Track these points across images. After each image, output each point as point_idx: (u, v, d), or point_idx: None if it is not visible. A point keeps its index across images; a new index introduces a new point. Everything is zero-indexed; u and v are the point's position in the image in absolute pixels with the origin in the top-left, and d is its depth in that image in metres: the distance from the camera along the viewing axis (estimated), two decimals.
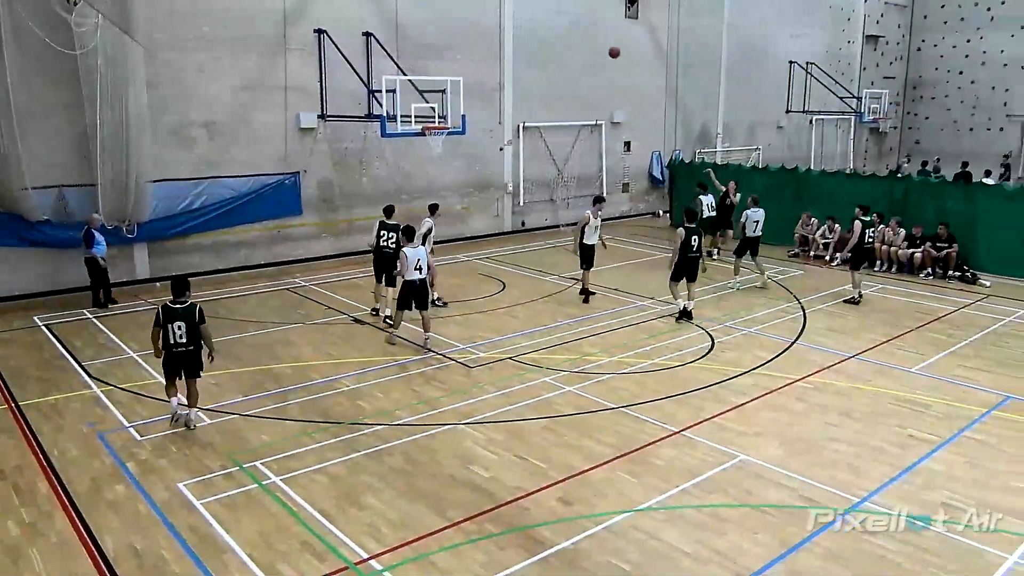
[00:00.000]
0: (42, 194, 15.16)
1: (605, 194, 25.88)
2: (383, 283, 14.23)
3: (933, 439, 9.52)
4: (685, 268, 14.19)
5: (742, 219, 17.14)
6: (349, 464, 8.81)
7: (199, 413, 9.85)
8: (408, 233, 12.75)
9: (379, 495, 8.13)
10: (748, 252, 17.08)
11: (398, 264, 12.70)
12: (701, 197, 19.97)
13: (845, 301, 15.77)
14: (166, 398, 9.97)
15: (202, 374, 9.72)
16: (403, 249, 12.55)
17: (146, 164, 16.01)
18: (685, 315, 14.27)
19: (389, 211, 14.51)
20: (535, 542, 7.27)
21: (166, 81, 16.50)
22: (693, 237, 14.07)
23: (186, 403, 9.71)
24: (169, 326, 9.31)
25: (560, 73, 23.99)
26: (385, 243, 13.96)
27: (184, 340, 9.35)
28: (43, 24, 14.55)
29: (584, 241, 15.43)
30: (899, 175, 22.05)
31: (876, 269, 19.00)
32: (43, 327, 13.87)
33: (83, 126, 15.40)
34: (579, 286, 16.09)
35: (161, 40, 16.26)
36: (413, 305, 12.70)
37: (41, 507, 7.88)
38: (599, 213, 15.70)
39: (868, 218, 15.69)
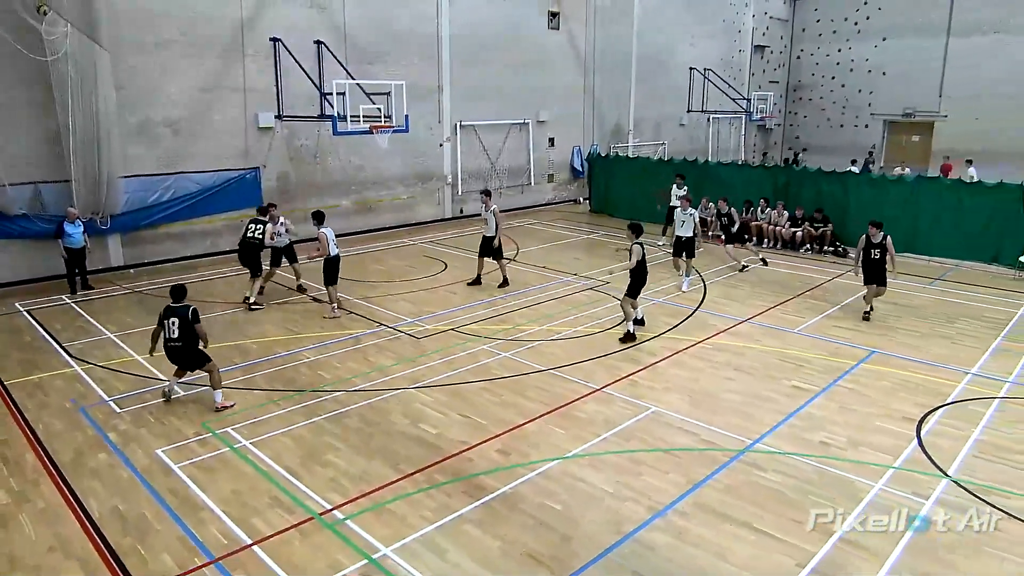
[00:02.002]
0: (18, 190, 14.43)
1: (532, 183, 26.12)
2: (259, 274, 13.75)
3: (813, 388, 9.89)
4: (642, 283, 11.89)
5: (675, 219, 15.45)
6: (312, 427, 8.72)
7: (175, 387, 9.58)
8: (319, 216, 12.95)
9: (339, 453, 8.07)
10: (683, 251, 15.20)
11: (320, 243, 12.60)
12: (675, 189, 19.19)
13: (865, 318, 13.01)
14: (143, 374, 9.73)
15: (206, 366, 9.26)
16: (322, 229, 12.69)
17: (116, 161, 15.37)
18: (639, 323, 12.13)
19: (263, 211, 14.05)
20: (478, 488, 7.33)
21: (132, 83, 15.79)
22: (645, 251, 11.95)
23: (175, 380, 9.51)
24: (165, 322, 9.05)
25: (492, 77, 23.81)
26: (252, 234, 13.50)
27: (176, 336, 9.00)
28: (14, 31, 13.78)
29: (484, 233, 14.84)
30: (796, 165, 22.44)
31: (764, 246, 19.54)
32: (24, 312, 13.25)
33: (56, 126, 14.64)
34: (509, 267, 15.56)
35: (126, 45, 15.54)
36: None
37: (28, 476, 7.60)
38: (491, 206, 14.68)
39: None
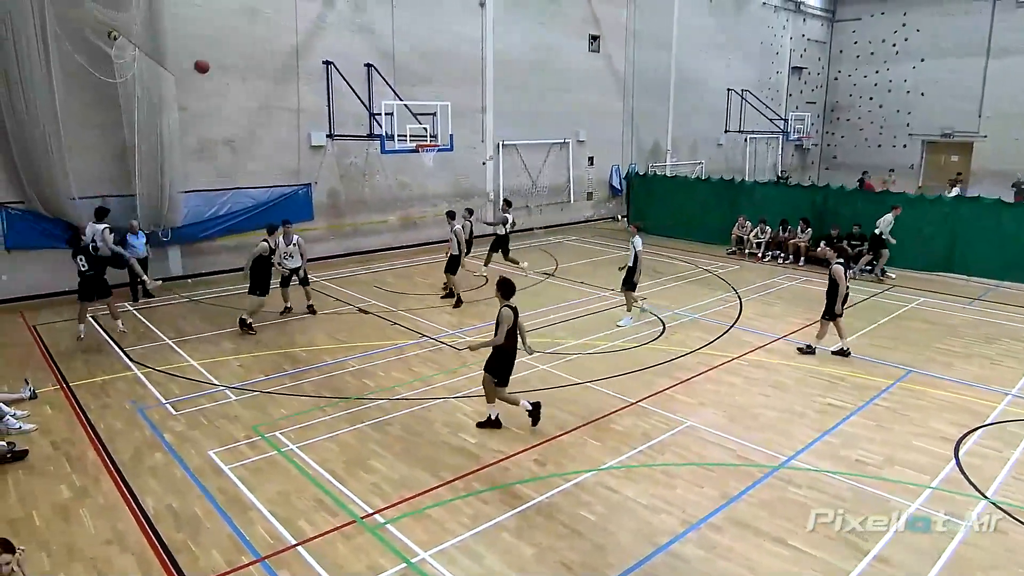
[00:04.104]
0: (88, 203, 14.89)
1: (572, 201, 26.08)
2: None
3: (848, 406, 9.65)
4: (511, 360, 8.91)
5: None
6: (356, 433, 8.80)
7: (227, 391, 9.77)
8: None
9: (382, 459, 8.12)
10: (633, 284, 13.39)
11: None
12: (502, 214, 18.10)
13: (834, 353, 11.70)
14: (198, 378, 9.91)
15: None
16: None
17: (178, 177, 15.80)
18: (494, 423, 8.96)
19: (272, 229, 13.02)
20: (515, 497, 7.30)
21: (193, 104, 16.28)
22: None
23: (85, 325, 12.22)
24: (76, 259, 11.81)
25: (534, 98, 23.93)
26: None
27: (86, 267, 11.78)
28: (87, 56, 14.35)
29: (451, 252, 14.85)
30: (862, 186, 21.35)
31: (799, 263, 19.18)
32: (89, 318, 13.57)
33: (122, 144, 15.16)
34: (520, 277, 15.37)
35: (189, 68, 16.04)
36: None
37: (89, 473, 7.80)
38: (454, 226, 14.73)
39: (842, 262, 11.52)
